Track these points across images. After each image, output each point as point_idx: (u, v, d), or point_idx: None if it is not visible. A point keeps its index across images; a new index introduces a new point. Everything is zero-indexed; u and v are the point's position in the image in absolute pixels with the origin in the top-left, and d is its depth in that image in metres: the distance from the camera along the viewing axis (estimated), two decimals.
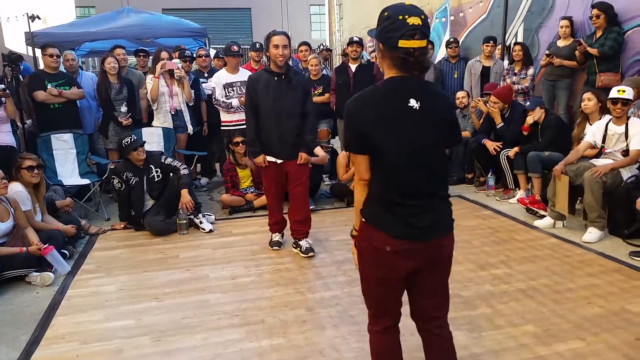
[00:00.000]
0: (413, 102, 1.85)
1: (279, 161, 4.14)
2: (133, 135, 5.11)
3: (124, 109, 6.03)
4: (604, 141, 4.67)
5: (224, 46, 6.32)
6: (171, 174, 5.13)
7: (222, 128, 6.13)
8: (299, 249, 4.27)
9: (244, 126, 5.92)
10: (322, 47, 10.06)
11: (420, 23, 1.79)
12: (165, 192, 5.07)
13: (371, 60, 7.24)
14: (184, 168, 5.15)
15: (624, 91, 4.44)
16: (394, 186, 1.88)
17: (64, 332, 3.10)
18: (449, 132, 1.96)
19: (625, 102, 4.45)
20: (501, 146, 5.83)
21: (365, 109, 1.87)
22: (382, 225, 1.89)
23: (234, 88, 5.92)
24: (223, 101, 5.89)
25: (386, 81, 1.91)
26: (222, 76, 6.01)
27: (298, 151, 4.13)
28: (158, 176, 5.05)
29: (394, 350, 2.09)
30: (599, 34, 5.47)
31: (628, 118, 4.52)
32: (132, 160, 4.97)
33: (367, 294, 2.06)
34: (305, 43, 7.75)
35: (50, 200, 4.81)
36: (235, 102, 5.88)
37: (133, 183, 4.95)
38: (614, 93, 4.51)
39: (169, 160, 5.15)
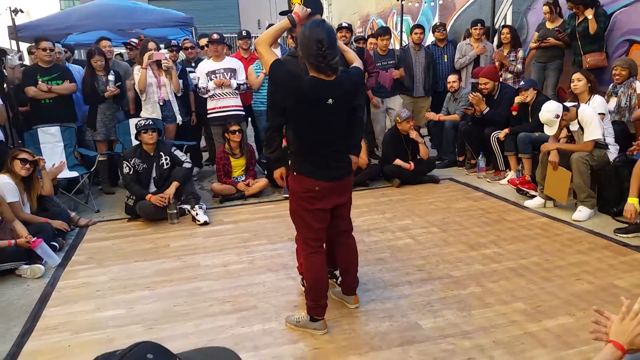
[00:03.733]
0: (330, 101, 2.57)
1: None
2: (150, 120, 5.15)
3: (111, 77, 5.96)
4: (569, 131, 4.71)
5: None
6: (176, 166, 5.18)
7: (208, 116, 6.10)
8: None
9: (229, 112, 5.96)
10: None
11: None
12: (168, 182, 5.08)
13: (360, 46, 7.18)
14: (188, 162, 5.23)
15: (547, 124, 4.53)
16: (313, 148, 2.67)
17: (56, 322, 3.09)
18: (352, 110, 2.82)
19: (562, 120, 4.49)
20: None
21: (292, 96, 2.60)
22: (310, 174, 2.68)
23: (217, 75, 5.90)
24: (201, 86, 5.88)
25: (310, 79, 2.59)
26: (205, 65, 5.99)
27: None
28: (167, 164, 5.11)
29: (324, 264, 2.83)
30: (581, 17, 5.47)
31: (577, 108, 4.53)
32: (143, 143, 5.02)
33: (304, 225, 2.79)
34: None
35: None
36: (211, 84, 5.86)
37: (140, 169, 4.99)
38: (547, 130, 4.59)
39: (177, 152, 5.24)
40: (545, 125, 4.59)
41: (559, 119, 4.45)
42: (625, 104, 4.88)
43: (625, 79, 4.89)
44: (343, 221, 2.96)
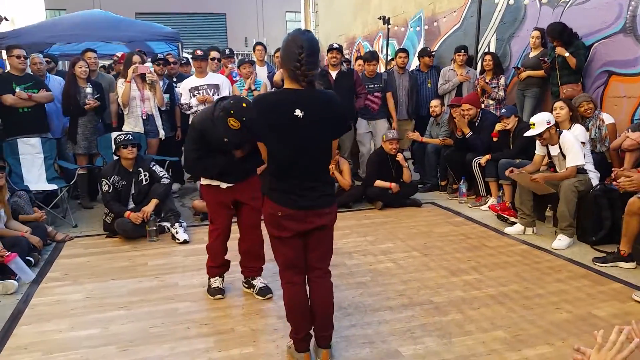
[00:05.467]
0: (298, 112, 2.39)
1: None
2: (130, 134, 5.10)
3: (89, 89, 5.88)
4: (550, 157, 4.81)
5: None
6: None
7: None
8: (251, 288, 3.63)
9: None
10: None
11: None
12: (147, 198, 4.99)
13: (350, 68, 7.22)
14: (166, 177, 5.14)
15: (534, 124, 4.64)
16: (283, 173, 2.47)
17: (27, 342, 3.00)
18: (333, 128, 2.53)
19: (541, 134, 4.61)
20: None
21: (262, 114, 2.45)
22: (275, 199, 2.50)
23: (200, 91, 5.86)
24: (184, 102, 5.86)
25: (280, 90, 2.56)
26: (189, 81, 5.97)
27: None
28: (146, 180, 5.03)
29: (301, 298, 2.61)
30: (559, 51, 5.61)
31: (560, 133, 4.66)
32: (122, 158, 4.93)
33: (276, 252, 2.64)
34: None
35: (16, 206, 4.67)
36: (193, 101, 5.83)
37: (120, 186, 4.90)
38: (530, 131, 4.69)
39: (156, 167, 5.15)
40: (531, 125, 4.68)
41: (548, 126, 4.58)
42: (595, 134, 5.03)
43: (593, 112, 5.05)
44: (313, 253, 2.62)
